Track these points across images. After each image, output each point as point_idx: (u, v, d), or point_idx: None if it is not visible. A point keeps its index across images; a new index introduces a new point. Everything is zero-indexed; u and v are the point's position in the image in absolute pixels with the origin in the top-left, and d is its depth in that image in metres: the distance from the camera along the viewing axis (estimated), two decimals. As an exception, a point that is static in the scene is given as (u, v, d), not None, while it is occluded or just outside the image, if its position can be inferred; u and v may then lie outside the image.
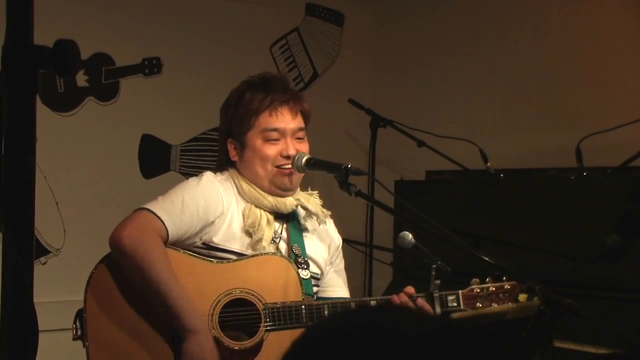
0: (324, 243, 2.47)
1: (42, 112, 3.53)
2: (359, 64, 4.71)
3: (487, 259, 2.21)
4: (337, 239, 2.53)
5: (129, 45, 3.91)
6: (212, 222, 2.24)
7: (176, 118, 4.05)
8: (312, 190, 2.48)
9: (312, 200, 2.42)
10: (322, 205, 2.45)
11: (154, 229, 2.14)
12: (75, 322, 2.13)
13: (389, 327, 0.90)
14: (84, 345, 2.11)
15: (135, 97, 3.92)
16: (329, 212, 2.47)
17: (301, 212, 2.43)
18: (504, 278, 2.29)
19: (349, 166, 2.21)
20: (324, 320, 0.98)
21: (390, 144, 4.24)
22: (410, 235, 2.32)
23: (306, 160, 2.31)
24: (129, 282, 2.14)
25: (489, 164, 3.52)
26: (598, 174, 3.10)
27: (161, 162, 4.01)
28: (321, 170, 2.32)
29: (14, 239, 1.10)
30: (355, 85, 4.58)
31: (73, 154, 3.74)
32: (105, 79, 3.85)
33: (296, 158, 2.31)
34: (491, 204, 3.36)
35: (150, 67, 3.98)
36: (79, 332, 2.11)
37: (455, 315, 2.30)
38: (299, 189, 2.42)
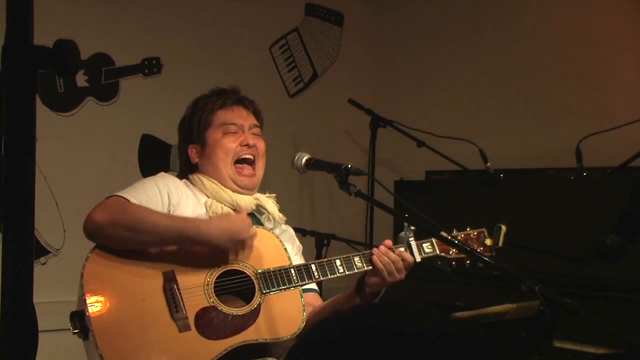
0: (288, 240, 2.51)
1: (42, 113, 3.53)
2: (359, 64, 4.71)
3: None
4: (298, 242, 2.59)
5: (129, 45, 3.91)
6: (176, 206, 2.31)
7: (176, 118, 4.01)
8: (270, 193, 2.54)
9: (270, 203, 2.49)
10: (279, 210, 2.51)
11: (124, 205, 2.20)
12: (71, 321, 2.13)
13: (399, 329, 0.90)
14: (87, 338, 2.10)
15: (135, 97, 3.92)
16: (285, 218, 2.53)
17: (258, 216, 2.49)
18: (468, 228, 2.43)
19: (349, 166, 2.23)
20: (331, 319, 0.98)
21: (390, 144, 4.24)
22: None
23: (306, 160, 2.33)
24: (121, 261, 2.17)
25: (488, 164, 3.52)
26: (598, 174, 3.10)
27: (161, 162, 4.01)
28: (321, 171, 2.34)
29: (13, 239, 1.10)
30: (355, 85, 4.59)
31: (73, 154, 3.74)
32: (105, 79, 3.85)
33: (296, 158, 2.34)
34: (491, 204, 3.36)
35: (150, 67, 3.98)
36: (78, 326, 2.11)
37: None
38: (256, 190, 2.49)
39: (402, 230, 2.35)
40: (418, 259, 2.32)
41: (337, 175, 2.26)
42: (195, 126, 2.47)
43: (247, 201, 2.42)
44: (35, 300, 1.15)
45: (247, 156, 2.43)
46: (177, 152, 4.14)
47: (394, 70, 4.62)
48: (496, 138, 3.88)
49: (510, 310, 2.34)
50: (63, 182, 3.68)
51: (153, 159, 3.98)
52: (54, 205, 3.65)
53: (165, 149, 4.03)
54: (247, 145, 2.42)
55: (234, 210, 2.40)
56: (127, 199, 2.21)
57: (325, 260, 2.33)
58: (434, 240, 2.37)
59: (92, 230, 2.17)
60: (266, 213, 2.47)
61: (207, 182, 2.41)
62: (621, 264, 2.86)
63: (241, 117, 2.46)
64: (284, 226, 2.54)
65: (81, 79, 3.77)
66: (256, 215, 2.48)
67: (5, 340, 1.10)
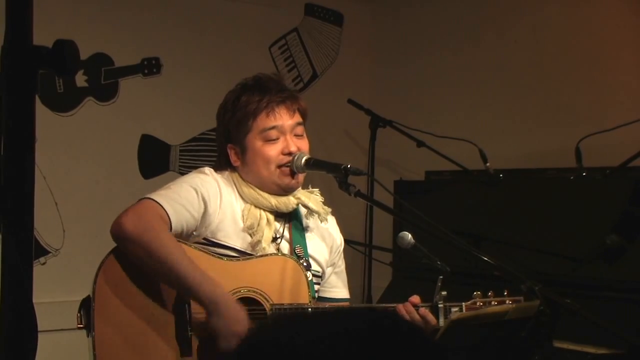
0: (325, 243, 2.47)
1: (42, 113, 3.52)
2: (359, 64, 4.71)
3: (486, 259, 2.21)
4: (339, 239, 2.53)
5: (129, 45, 3.91)
6: (212, 214, 2.24)
7: (175, 118, 4.05)
8: (312, 188, 2.47)
9: (312, 198, 2.42)
10: (323, 203, 2.45)
11: (157, 214, 2.14)
12: (79, 311, 2.11)
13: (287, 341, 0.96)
14: (88, 335, 2.09)
15: (135, 97, 3.92)
16: (330, 209, 2.47)
17: (302, 210, 2.43)
18: (505, 293, 2.31)
19: (349, 166, 2.22)
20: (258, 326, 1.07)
21: (389, 144, 4.24)
22: (410, 236, 2.32)
23: (305, 160, 2.31)
24: (138, 272, 2.13)
25: (488, 164, 3.52)
26: (597, 174, 3.10)
27: (160, 162, 4.01)
28: (320, 171, 2.32)
29: (13, 240, 1.10)
30: (355, 85, 4.58)
31: (72, 154, 3.73)
32: (104, 79, 3.85)
33: (295, 158, 2.31)
34: (490, 204, 3.36)
35: (150, 67, 3.98)
36: (83, 321, 2.10)
37: (455, 315, 2.30)
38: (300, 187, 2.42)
39: (402, 231, 2.34)
40: (442, 323, 2.23)
41: (337, 175, 2.24)
42: (234, 126, 2.34)
43: (288, 203, 2.35)
44: (34, 300, 1.15)
45: (290, 164, 2.32)
46: (175, 152, 4.19)
47: (394, 70, 4.61)
48: (496, 138, 3.88)
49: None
50: (62, 182, 3.68)
51: (153, 159, 3.98)
52: (53, 206, 3.65)
53: (165, 149, 4.03)
54: (289, 153, 2.31)
55: (274, 214, 2.34)
56: (163, 208, 2.14)
57: (345, 304, 2.28)
58: (463, 305, 2.28)
59: (116, 236, 2.13)
60: (309, 210, 2.40)
61: (245, 189, 2.32)
62: (621, 264, 2.85)
63: (282, 119, 2.32)
64: (328, 220, 2.47)
65: (80, 79, 3.77)
66: (299, 213, 2.42)
67: (5, 340, 1.10)
